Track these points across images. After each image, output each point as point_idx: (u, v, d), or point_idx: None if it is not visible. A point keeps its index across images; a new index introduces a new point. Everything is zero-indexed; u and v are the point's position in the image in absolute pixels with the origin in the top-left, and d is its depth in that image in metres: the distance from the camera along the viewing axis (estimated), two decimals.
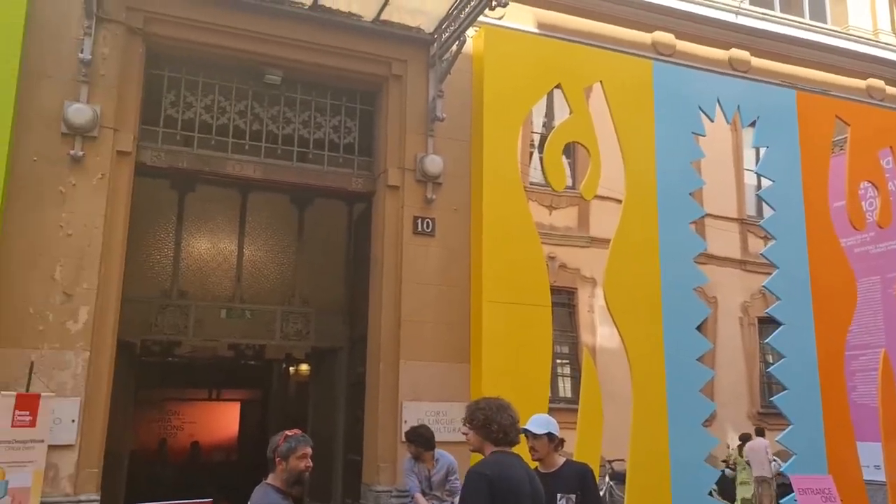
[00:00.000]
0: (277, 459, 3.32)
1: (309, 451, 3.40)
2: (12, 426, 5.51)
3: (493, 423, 3.24)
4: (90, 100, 6.28)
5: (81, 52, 6.20)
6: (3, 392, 5.55)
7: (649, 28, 10.56)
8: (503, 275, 7.00)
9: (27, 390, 5.70)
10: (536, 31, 8.23)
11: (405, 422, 6.67)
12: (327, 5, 6.98)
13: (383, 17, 7.12)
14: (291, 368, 12.40)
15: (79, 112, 6.17)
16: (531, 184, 10.34)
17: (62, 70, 6.26)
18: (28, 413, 5.58)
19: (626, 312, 7.27)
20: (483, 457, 3.30)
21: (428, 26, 7.34)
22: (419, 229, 7.25)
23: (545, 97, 8.48)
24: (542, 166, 7.77)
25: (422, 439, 5.96)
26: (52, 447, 5.66)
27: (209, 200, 8.72)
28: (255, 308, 8.83)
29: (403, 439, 6.33)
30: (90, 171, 6.25)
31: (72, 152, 6.17)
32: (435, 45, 7.40)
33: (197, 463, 14.53)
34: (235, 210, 8.87)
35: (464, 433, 3.39)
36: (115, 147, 6.37)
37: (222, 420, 15.46)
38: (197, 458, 14.74)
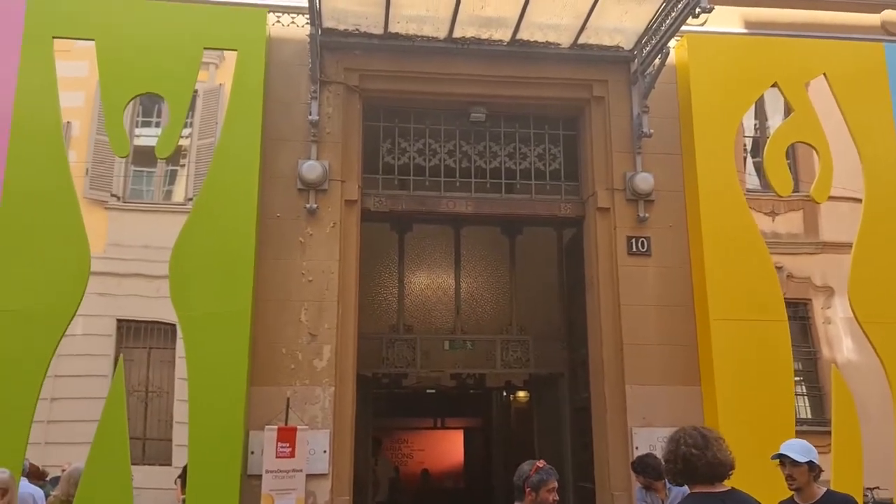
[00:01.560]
0: (528, 490, 3.37)
1: (556, 484, 3.41)
2: (276, 457, 6.14)
3: (696, 458, 2.87)
4: (319, 156, 6.92)
5: (310, 114, 6.87)
6: (267, 426, 6.21)
7: (875, 8, 9.53)
8: (729, 290, 6.62)
9: (286, 424, 6.32)
10: (744, 31, 7.77)
11: (636, 448, 6.48)
12: (525, 38, 7.13)
13: (580, 41, 7.13)
14: (510, 396, 12.56)
15: (311, 169, 6.82)
16: (747, 191, 9.69)
17: (295, 133, 6.97)
18: (288, 444, 6.19)
19: (877, 323, 6.54)
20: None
21: (627, 43, 7.23)
22: (634, 249, 7.08)
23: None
24: (760, 171, 7.28)
25: (648, 469, 5.72)
26: (309, 476, 6.21)
27: (426, 238, 9.19)
28: (475, 338, 9.10)
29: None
30: (324, 221, 6.86)
31: (307, 206, 6.82)
32: (636, 61, 7.26)
33: (427, 489, 15.13)
34: (450, 245, 9.25)
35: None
36: (343, 197, 6.95)
37: (448, 448, 15.98)
38: (427, 485, 15.35)
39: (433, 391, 12.76)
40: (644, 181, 7.10)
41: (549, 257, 9.24)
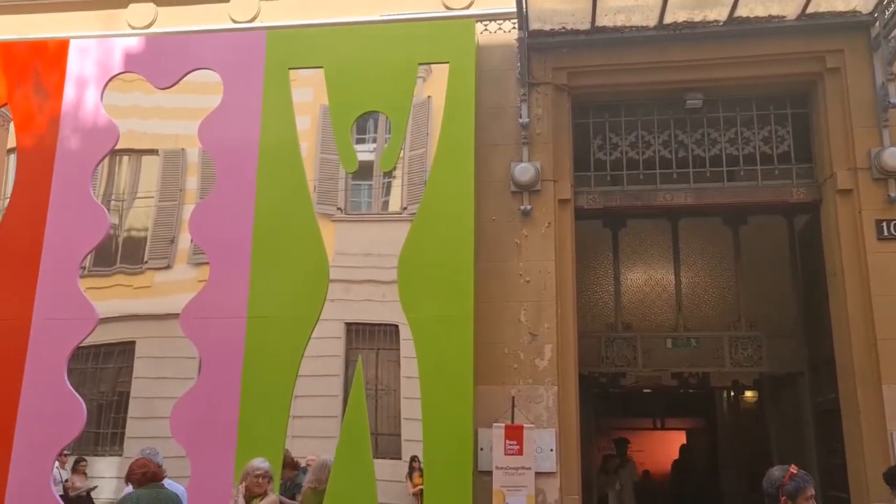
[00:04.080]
0: (783, 498, 3.14)
1: (813, 492, 3.16)
2: (505, 454, 6.28)
3: None
4: (531, 158, 6.98)
5: (520, 117, 6.96)
6: (494, 424, 6.38)
7: None
8: None
9: (512, 422, 6.44)
10: None
11: None
12: (744, 15, 6.68)
13: (809, 10, 6.53)
14: (738, 395, 11.80)
15: (523, 171, 6.90)
16: None
17: (506, 136, 7.10)
18: (516, 442, 6.31)
19: None
20: None
21: (865, 6, 6.51)
22: (885, 234, 6.35)
23: None
24: None
25: None
26: (538, 474, 6.29)
27: (641, 233, 8.92)
28: (700, 335, 8.67)
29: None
30: (538, 222, 6.91)
31: (521, 207, 6.91)
32: (877, 24, 6.51)
33: (647, 491, 14.65)
34: (667, 239, 8.89)
35: None
36: (556, 197, 6.96)
37: (669, 449, 15.37)
38: (647, 487, 14.86)
39: (649, 391, 12.34)
40: (893, 157, 6.35)
41: (779, 247, 8.55)
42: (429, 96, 13.57)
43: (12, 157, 8.66)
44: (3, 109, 7.55)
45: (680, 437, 15.58)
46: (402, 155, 9.17)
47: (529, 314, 6.74)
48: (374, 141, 14.95)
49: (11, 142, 8.25)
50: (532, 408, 6.54)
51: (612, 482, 10.45)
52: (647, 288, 8.92)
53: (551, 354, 6.64)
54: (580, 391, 7.03)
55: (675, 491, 14.25)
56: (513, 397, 6.53)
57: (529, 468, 6.24)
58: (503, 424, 6.34)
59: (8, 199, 7.44)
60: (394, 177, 14.72)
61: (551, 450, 6.42)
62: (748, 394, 11.05)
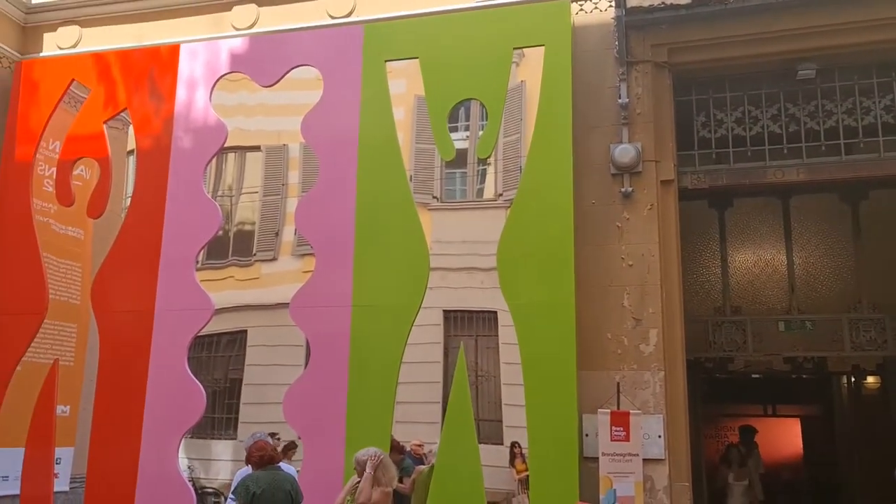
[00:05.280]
0: None
1: None
2: (611, 440, 6.20)
3: None
4: (631, 139, 6.81)
5: (619, 97, 6.79)
6: (599, 410, 6.30)
7: None
8: None
9: (618, 408, 6.35)
10: None
11: None
12: None
13: None
14: (859, 381, 11.16)
15: (624, 152, 6.74)
16: None
17: (604, 118, 6.95)
18: (622, 429, 6.22)
19: None
20: None
21: None
22: None
23: None
24: None
25: None
26: (645, 461, 6.18)
27: (749, 213, 8.58)
28: (816, 318, 8.25)
29: None
30: (640, 205, 6.74)
31: (622, 190, 6.76)
32: None
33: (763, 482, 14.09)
34: (778, 218, 8.52)
35: None
36: (658, 178, 6.76)
37: (782, 437, 14.72)
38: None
39: (759, 376, 11.84)
40: None
41: None
42: (522, 81, 13.48)
43: (131, 158, 9.24)
44: (122, 114, 8.03)
45: (793, 425, 14.90)
46: (496, 141, 9.14)
47: (633, 298, 6.60)
48: (467, 129, 15.04)
49: (131, 144, 8.80)
50: (638, 394, 6.42)
51: (742, 475, 9.44)
52: (756, 269, 8.57)
53: (657, 339, 6.48)
54: (689, 377, 6.84)
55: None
56: (618, 383, 6.42)
57: (637, 455, 6.14)
58: (608, 410, 6.26)
59: (129, 199, 7.93)
60: (488, 164, 14.75)
61: (659, 436, 6.29)
62: (870, 379, 10.46)
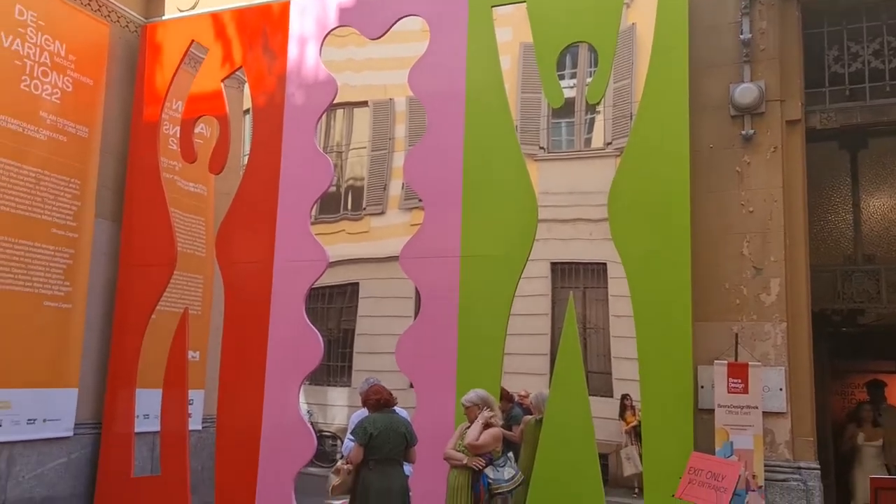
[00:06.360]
0: None
1: None
2: (728, 392, 6.01)
3: None
4: (753, 77, 6.41)
5: (741, 33, 6.39)
6: (716, 361, 6.10)
7: None
8: None
9: (735, 360, 6.12)
10: None
11: None
12: None
13: None
14: None
15: (745, 92, 6.36)
16: None
17: (724, 56, 6.56)
18: (740, 381, 6.00)
19: None
20: None
21: None
22: None
23: None
24: None
25: None
26: (765, 414, 5.95)
27: (886, 154, 7.93)
28: None
29: None
30: (762, 147, 6.37)
31: (742, 132, 6.40)
32: None
33: None
34: None
35: None
36: (783, 118, 6.36)
37: None
38: None
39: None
40: None
41: None
42: (633, 23, 12.99)
43: (247, 117, 9.59)
44: (237, 73, 8.31)
45: None
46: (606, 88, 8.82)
47: (753, 246, 6.29)
48: (574, 77, 14.63)
49: (246, 103, 9.12)
50: (757, 345, 6.16)
51: (874, 435, 8.45)
52: (893, 215, 7.94)
53: (779, 289, 6.17)
54: (815, 329, 6.49)
55: None
56: (736, 334, 6.18)
57: (756, 407, 5.92)
58: (726, 362, 6.05)
59: (247, 156, 8.25)
60: (597, 112, 14.39)
61: (780, 389, 6.03)
62: None
